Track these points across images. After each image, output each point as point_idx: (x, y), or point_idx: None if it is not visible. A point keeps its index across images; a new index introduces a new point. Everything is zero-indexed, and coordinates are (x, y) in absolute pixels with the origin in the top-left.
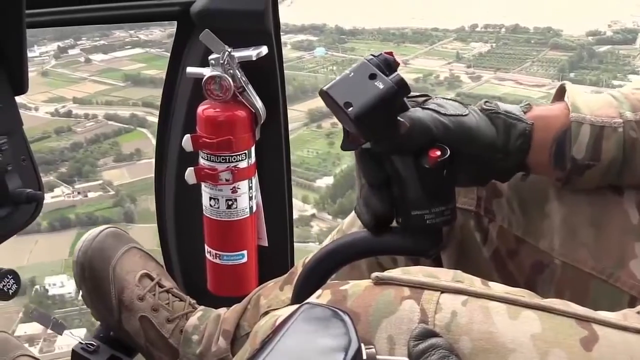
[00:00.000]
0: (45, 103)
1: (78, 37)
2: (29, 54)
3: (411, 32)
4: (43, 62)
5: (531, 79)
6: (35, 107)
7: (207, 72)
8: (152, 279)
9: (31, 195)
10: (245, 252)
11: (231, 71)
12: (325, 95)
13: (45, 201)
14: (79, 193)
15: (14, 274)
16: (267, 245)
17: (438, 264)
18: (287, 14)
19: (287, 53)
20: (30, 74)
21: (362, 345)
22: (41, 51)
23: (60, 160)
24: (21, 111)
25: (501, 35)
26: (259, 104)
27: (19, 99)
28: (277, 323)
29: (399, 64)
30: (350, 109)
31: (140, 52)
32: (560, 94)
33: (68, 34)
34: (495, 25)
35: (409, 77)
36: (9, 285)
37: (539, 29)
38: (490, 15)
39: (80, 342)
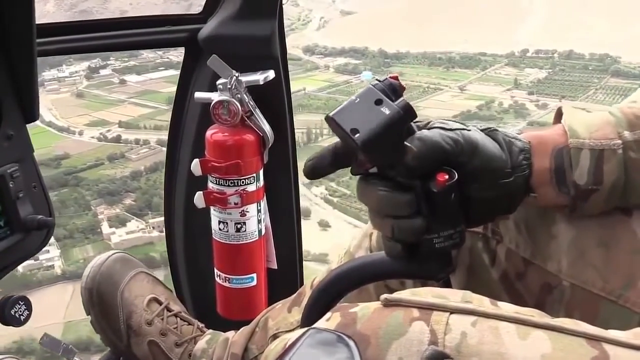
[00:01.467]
0: (88, 127)
1: (106, 56)
2: (59, 74)
3: (459, 57)
4: (74, 82)
5: (600, 108)
6: (80, 131)
7: (215, 96)
8: (160, 303)
9: (42, 221)
10: (254, 275)
11: (239, 95)
12: (331, 121)
13: (121, 237)
14: (153, 228)
15: (25, 300)
16: (276, 267)
17: (447, 286)
18: (320, 38)
19: (332, 77)
20: (63, 95)
21: None
22: (70, 71)
23: (124, 191)
24: (66, 135)
25: (556, 61)
26: (266, 127)
27: (61, 122)
28: (286, 347)
29: (405, 88)
30: (357, 135)
31: (174, 73)
32: (558, 117)
33: (95, 54)
34: (547, 51)
35: (470, 104)
36: (20, 311)
37: (595, 55)
38: (534, 40)
39: None
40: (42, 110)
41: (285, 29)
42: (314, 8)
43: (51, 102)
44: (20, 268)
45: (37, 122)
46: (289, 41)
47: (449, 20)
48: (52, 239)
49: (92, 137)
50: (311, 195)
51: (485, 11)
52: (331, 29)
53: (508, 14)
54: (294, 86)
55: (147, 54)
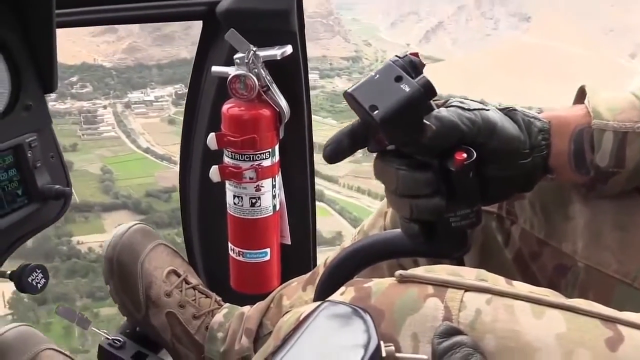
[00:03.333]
0: None
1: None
2: (144, 98)
3: None
4: (162, 107)
5: None
6: None
7: (232, 71)
8: (179, 275)
9: (60, 191)
10: (268, 250)
11: (256, 70)
12: (350, 97)
13: None
14: None
15: (42, 268)
16: (289, 243)
17: (460, 265)
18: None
19: None
20: (153, 120)
21: (382, 342)
22: (156, 95)
23: None
24: (166, 164)
25: None
26: (283, 102)
27: (159, 150)
28: (300, 319)
29: (425, 65)
30: (376, 112)
31: None
32: (580, 97)
33: (177, 79)
34: None
35: None
36: (37, 279)
37: None
38: None
39: (107, 338)
40: (137, 135)
41: (365, 69)
42: (387, 49)
43: (142, 127)
44: None
45: (134, 148)
46: None
47: (544, 74)
48: None
49: None
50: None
51: (583, 66)
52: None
53: (609, 71)
54: None
55: None
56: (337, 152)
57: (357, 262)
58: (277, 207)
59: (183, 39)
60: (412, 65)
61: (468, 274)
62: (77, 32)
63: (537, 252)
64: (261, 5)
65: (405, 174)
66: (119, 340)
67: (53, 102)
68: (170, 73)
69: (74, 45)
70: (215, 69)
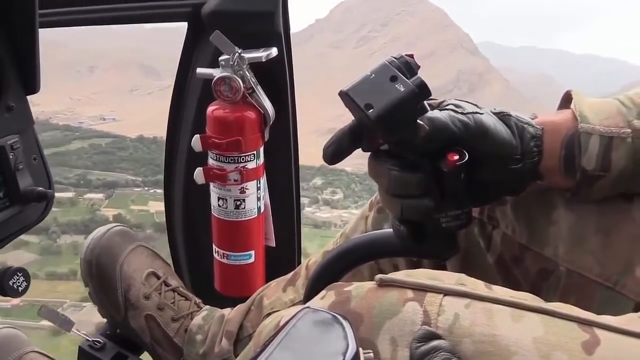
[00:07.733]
0: None
1: None
2: None
3: None
4: None
5: None
6: None
7: (217, 72)
8: (158, 277)
9: (42, 193)
10: (252, 252)
11: (241, 72)
12: (345, 96)
13: None
14: None
15: (23, 271)
16: (274, 245)
17: (442, 269)
18: None
19: None
20: None
21: (360, 350)
22: None
23: None
24: None
25: None
26: (268, 105)
27: None
28: (281, 324)
29: (420, 66)
30: (371, 110)
31: None
32: (565, 102)
33: None
34: None
35: None
36: (18, 282)
37: None
38: None
39: (87, 340)
40: None
41: None
42: None
43: None
44: None
45: None
46: None
47: None
48: None
49: None
50: None
51: None
52: None
53: None
54: None
55: None
56: (338, 152)
57: (347, 262)
58: (262, 210)
59: None
60: (408, 66)
61: (448, 279)
62: (306, 133)
63: (519, 257)
64: (247, 7)
65: (396, 174)
66: (99, 342)
67: (308, 208)
68: None
69: (306, 147)
70: (200, 70)
